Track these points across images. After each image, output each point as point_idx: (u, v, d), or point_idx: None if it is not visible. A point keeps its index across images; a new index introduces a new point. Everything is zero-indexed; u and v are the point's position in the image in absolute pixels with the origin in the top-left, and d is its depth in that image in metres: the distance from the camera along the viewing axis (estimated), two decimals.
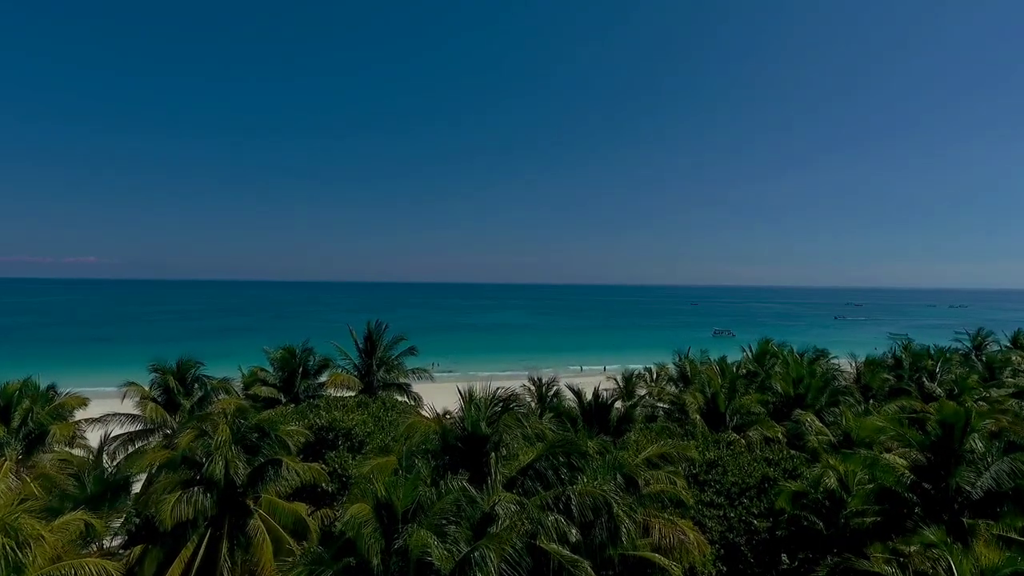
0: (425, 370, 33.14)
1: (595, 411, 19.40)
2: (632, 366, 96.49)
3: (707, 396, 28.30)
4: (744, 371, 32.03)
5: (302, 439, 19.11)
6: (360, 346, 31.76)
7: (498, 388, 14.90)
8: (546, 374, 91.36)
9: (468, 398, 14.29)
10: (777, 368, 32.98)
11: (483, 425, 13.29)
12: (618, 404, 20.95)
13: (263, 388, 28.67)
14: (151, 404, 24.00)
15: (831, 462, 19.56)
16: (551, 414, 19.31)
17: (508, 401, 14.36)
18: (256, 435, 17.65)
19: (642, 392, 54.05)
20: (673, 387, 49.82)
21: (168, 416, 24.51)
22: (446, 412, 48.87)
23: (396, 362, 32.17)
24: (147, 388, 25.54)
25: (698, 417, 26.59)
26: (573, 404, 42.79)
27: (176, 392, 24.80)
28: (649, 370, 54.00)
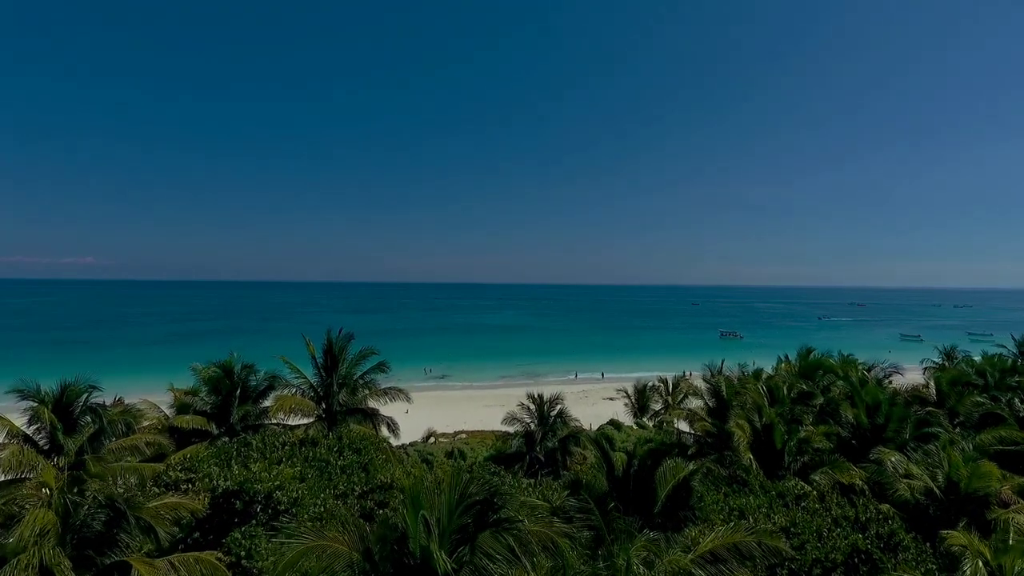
0: (400, 390, 26.74)
1: (634, 482, 12.86)
2: (637, 374, 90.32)
3: (757, 427, 22.00)
4: (795, 392, 25.80)
5: (184, 515, 12.79)
6: (318, 361, 25.41)
7: (470, 479, 8.45)
8: (545, 382, 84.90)
9: (413, 499, 7.64)
10: (836, 388, 26.67)
11: (442, 558, 6.96)
12: (667, 469, 14.17)
13: (186, 418, 22.31)
14: (14, 445, 17.61)
15: (975, 545, 13.28)
16: (565, 492, 12.60)
17: (490, 502, 7.94)
18: (107, 516, 11.38)
19: (657, 407, 47.90)
20: (698, 401, 43.64)
21: (45, 462, 18.11)
22: (430, 435, 41.80)
23: (363, 381, 25.78)
24: (20, 421, 19.14)
25: (751, 458, 20.28)
26: (570, 422, 36.52)
27: (55, 428, 18.42)
28: (664, 381, 47.74)
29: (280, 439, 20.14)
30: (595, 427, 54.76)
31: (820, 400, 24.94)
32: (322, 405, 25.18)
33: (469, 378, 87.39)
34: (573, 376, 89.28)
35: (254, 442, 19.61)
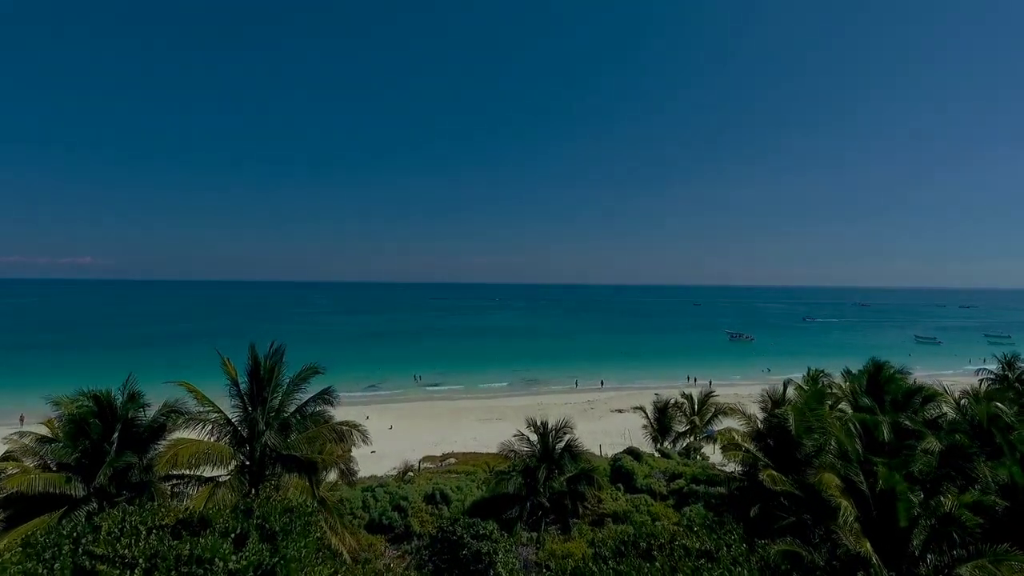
0: (356, 426, 19.63)
1: None
2: (645, 382, 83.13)
3: (860, 488, 15.03)
4: (889, 428, 18.83)
5: None
6: (241, 388, 18.40)
7: None
8: (545, 391, 77.63)
9: None
10: (948, 425, 19.69)
11: None
12: None
13: (30, 477, 15.28)
14: None
15: None
16: None
17: None
18: None
19: (681, 428, 40.89)
20: (730, 422, 36.81)
21: None
22: (407, 469, 34.90)
23: (299, 416, 18.71)
24: None
25: (868, 547, 13.31)
26: (581, 454, 29.35)
27: None
28: (689, 397, 40.74)
29: (151, 518, 13.12)
30: (604, 449, 47.64)
31: (934, 444, 17.97)
32: (244, 450, 18.15)
33: (463, 387, 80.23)
34: (575, 384, 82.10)
35: (105, 525, 12.57)
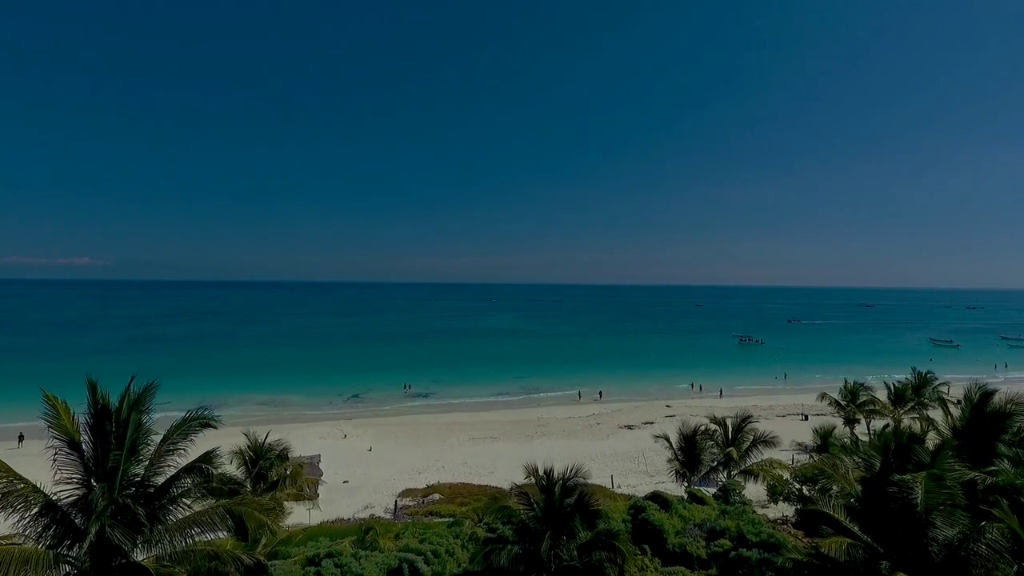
0: (268, 509, 12.60)
1: None
2: (650, 392, 76.23)
3: None
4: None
5: None
6: (84, 451, 11.79)
7: None
8: (546, 401, 70.42)
9: None
10: None
11: None
12: None
13: None
14: None
15: None
16: None
17: None
18: None
19: (713, 460, 34.20)
20: (772, 453, 30.13)
21: None
22: (368, 527, 28.60)
23: (169, 496, 12.03)
24: None
25: None
26: (600, 513, 22.52)
27: None
28: (721, 423, 34.00)
29: None
30: (617, 479, 40.83)
31: None
32: (73, 551, 11.47)
33: (457, 398, 73.34)
34: (578, 396, 74.90)
35: None
